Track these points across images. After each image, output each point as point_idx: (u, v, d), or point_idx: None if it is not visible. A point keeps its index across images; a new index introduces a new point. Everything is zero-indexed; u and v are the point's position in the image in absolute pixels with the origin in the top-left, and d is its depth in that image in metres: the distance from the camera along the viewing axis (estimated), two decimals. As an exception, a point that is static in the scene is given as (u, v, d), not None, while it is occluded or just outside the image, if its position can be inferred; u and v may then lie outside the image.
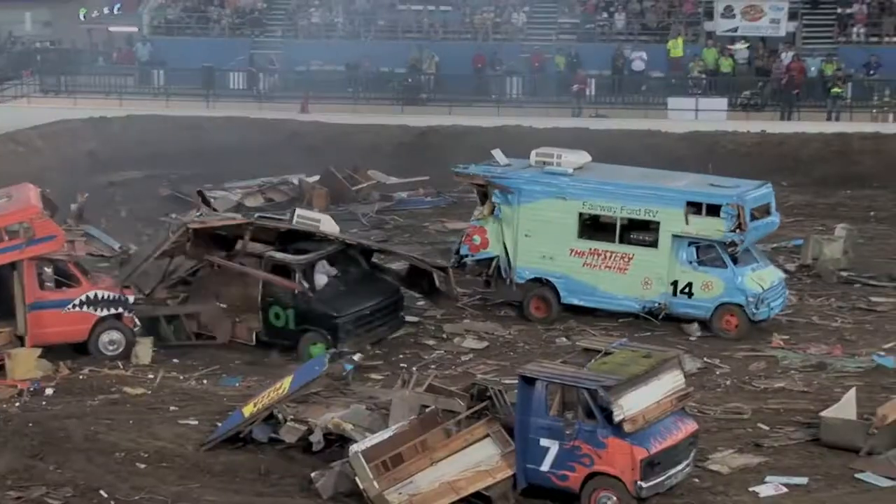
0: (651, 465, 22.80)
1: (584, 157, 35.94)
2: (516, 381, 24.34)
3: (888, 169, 50.82)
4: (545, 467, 23.31)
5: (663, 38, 61.60)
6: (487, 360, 31.72)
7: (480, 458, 23.71)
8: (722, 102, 57.13)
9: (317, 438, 25.36)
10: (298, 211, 34.75)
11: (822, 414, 26.87)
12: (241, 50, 63.01)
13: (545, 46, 62.09)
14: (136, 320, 32.19)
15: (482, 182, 35.52)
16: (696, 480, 24.47)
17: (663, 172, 37.24)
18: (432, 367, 30.74)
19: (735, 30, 60.90)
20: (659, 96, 58.46)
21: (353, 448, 23.48)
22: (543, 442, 23.26)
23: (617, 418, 22.54)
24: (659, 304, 33.34)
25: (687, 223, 32.77)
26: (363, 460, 23.06)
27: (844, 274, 38.40)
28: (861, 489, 24.40)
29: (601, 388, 22.73)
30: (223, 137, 53.35)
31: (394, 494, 22.89)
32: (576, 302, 34.13)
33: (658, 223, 33.06)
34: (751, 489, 24.34)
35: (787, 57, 59.08)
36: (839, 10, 62.87)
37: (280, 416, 26.00)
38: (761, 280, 32.88)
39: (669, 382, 24.03)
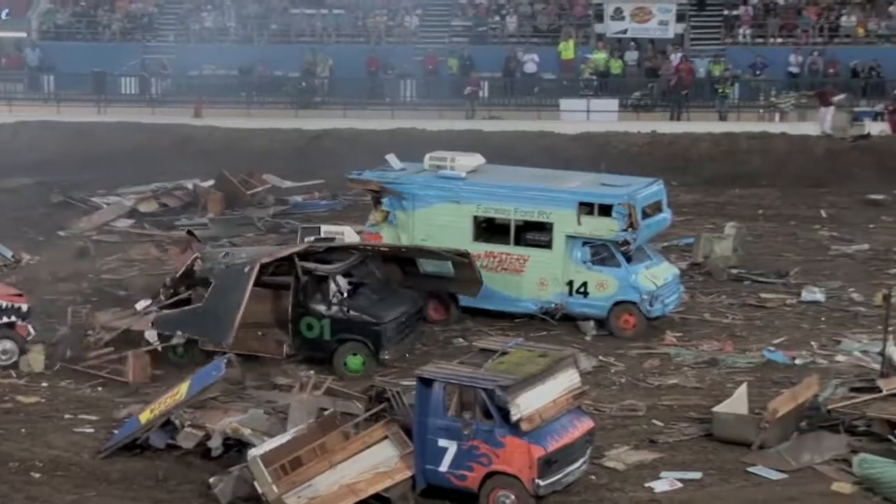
0: (548, 464, 22.85)
1: (477, 160, 35.98)
2: (414, 383, 24.27)
3: (775, 168, 51.39)
4: (444, 468, 23.30)
5: (555, 41, 61.93)
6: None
7: (379, 460, 23.69)
8: (613, 103, 57.55)
9: (215, 444, 25.18)
10: (323, 227, 35.46)
11: (715, 409, 27.11)
12: (132, 55, 62.53)
13: (438, 49, 62.22)
14: (31, 329, 31.56)
15: (376, 188, 35.43)
16: (593, 477, 24.58)
17: (556, 173, 37.37)
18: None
19: (625, 32, 61.39)
20: (551, 98, 58.63)
21: (252, 452, 23.29)
22: (442, 442, 23.25)
23: (514, 417, 22.59)
24: (555, 304, 33.34)
25: (580, 224, 32.80)
26: (262, 464, 22.91)
27: (734, 271, 38.74)
28: (753, 482, 24.66)
29: (498, 388, 22.74)
30: (115, 143, 52.87)
31: (293, 498, 22.80)
32: (473, 305, 33.99)
33: (552, 224, 33.04)
34: (646, 485, 24.48)
35: (675, 58, 59.68)
36: (726, 12, 63.61)
37: (177, 421, 25.73)
38: (655, 277, 32.99)
39: (565, 381, 24.12)
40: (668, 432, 27.04)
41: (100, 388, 29.72)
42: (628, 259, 32.85)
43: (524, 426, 22.69)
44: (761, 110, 57.04)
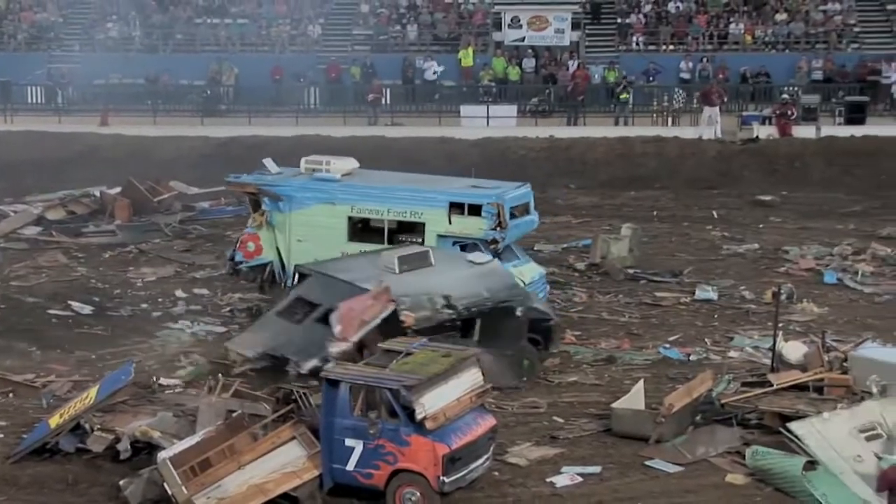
0: (453, 461, 22.87)
1: (352, 164, 36.29)
2: (320, 384, 24.25)
3: (669, 170, 51.88)
4: (351, 466, 23.26)
5: (454, 49, 62.09)
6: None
7: (287, 460, 23.62)
8: (512, 109, 57.72)
9: (124, 447, 24.91)
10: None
11: (613, 405, 27.27)
12: (38, 64, 61.93)
13: (341, 57, 62.21)
14: None
15: (254, 190, 35.51)
16: (496, 473, 24.61)
17: (429, 177, 37.76)
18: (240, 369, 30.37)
19: (522, 39, 61.63)
20: (452, 104, 58.68)
21: (161, 455, 23.16)
22: (348, 442, 23.22)
23: (419, 416, 22.61)
24: None
25: (450, 223, 33.14)
26: (171, 466, 22.78)
27: (630, 271, 39.06)
28: (651, 475, 24.78)
29: (403, 388, 22.79)
30: (22, 151, 52.38)
31: (202, 499, 22.69)
32: None
33: (423, 224, 33.36)
34: (548, 480, 24.53)
35: (572, 65, 59.97)
36: (619, 21, 64.16)
37: (87, 425, 25.44)
38: (522, 275, 33.07)
39: (469, 380, 24.15)
40: (569, 428, 27.11)
41: (10, 395, 29.35)
42: (498, 257, 32.95)
43: (429, 424, 22.69)
44: (654, 115, 57.33)
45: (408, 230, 33.80)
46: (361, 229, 34.39)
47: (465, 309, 29.43)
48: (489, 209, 32.69)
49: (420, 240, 33.26)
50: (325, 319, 28.42)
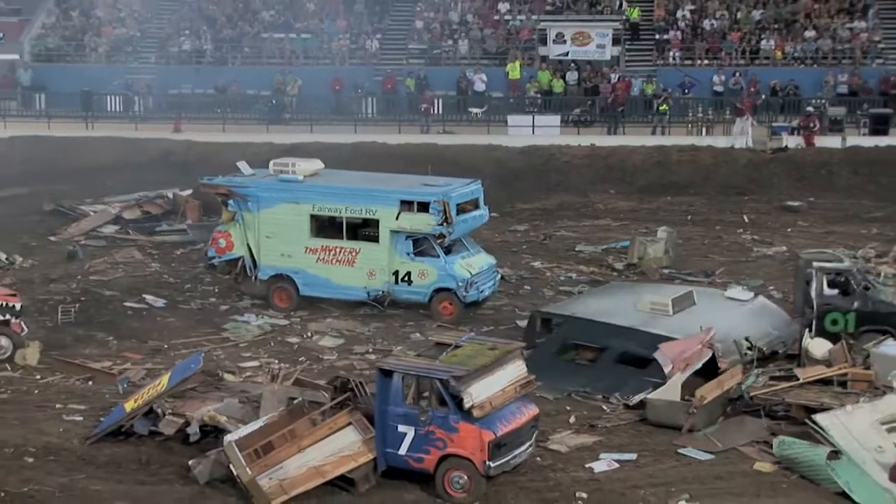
0: (498, 447, 22.96)
1: (317, 165, 36.86)
2: (376, 373, 24.29)
3: (702, 177, 51.68)
4: (403, 451, 23.36)
5: (502, 62, 62.02)
6: (350, 354, 31.58)
7: (344, 445, 23.69)
8: (556, 119, 57.54)
9: (193, 430, 25.07)
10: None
11: (649, 396, 27.23)
12: (117, 75, 62.24)
13: (396, 70, 62.24)
14: (24, 326, 31.33)
15: (224, 191, 36.02)
16: (539, 459, 24.64)
17: (386, 176, 38.23)
18: (301, 360, 30.55)
19: (566, 54, 61.54)
20: (500, 114, 58.59)
21: (228, 438, 23.37)
22: (401, 428, 23.32)
23: (466, 405, 22.69)
24: (383, 291, 34.22)
25: (400, 219, 33.59)
26: (237, 449, 22.94)
27: (666, 271, 38.99)
28: (683, 462, 24.80)
29: (452, 378, 22.88)
30: (102, 156, 52.74)
31: (265, 479, 22.80)
32: (311, 294, 34.91)
33: (378, 220, 33.80)
34: (587, 465, 24.54)
35: (612, 78, 59.85)
36: (657, 36, 63.88)
37: (159, 410, 25.63)
38: (470, 266, 33.76)
39: (513, 372, 24.23)
40: (607, 417, 27.14)
41: (89, 381, 29.57)
42: (447, 251, 33.71)
43: (476, 413, 22.77)
44: (690, 125, 57.10)
45: (364, 226, 34.31)
46: (323, 226, 34.84)
47: (766, 348, 29.59)
48: (436, 206, 33.18)
49: (375, 234, 33.93)
50: (620, 360, 28.78)
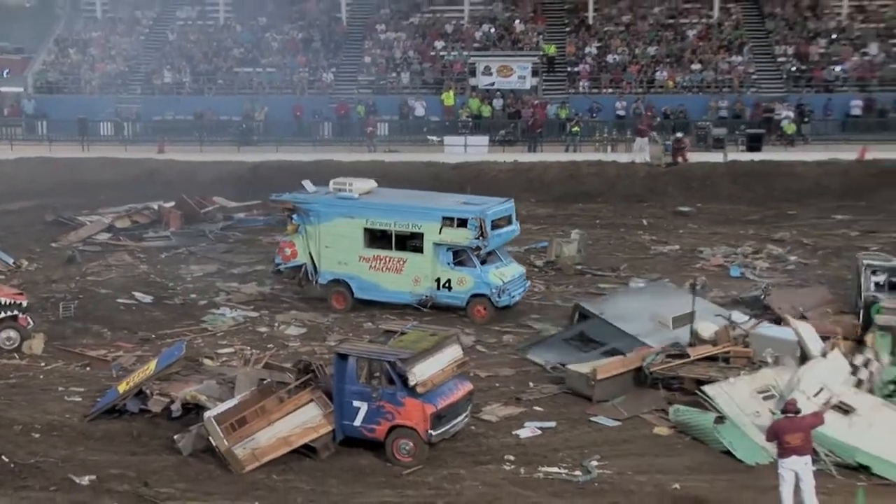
0: (438, 418, 23.01)
1: (370, 184, 36.14)
2: (333, 357, 24.28)
3: (608, 187, 51.98)
4: (357, 423, 23.36)
5: (438, 91, 62.07)
6: (312, 341, 31.50)
7: (307, 418, 23.70)
8: (484, 139, 57.61)
9: (177, 408, 25.05)
10: None
11: (568, 367, 27.65)
12: (108, 104, 61.81)
13: (348, 98, 62.12)
14: (30, 320, 31.14)
15: (290, 206, 35.34)
16: (473, 428, 24.67)
17: (431, 194, 37.66)
18: (270, 347, 30.43)
19: (492, 84, 61.63)
20: (437, 135, 58.58)
21: (207, 414, 23.33)
22: (356, 403, 23.32)
23: (411, 383, 22.72)
24: (427, 296, 33.56)
25: (442, 233, 33.06)
26: (215, 423, 22.91)
27: (579, 267, 39.07)
28: (595, 429, 24.92)
29: (399, 361, 22.92)
30: (96, 174, 52.38)
31: (240, 449, 22.80)
32: (364, 297, 34.25)
33: (422, 234, 33.26)
34: (514, 432, 24.63)
35: (532, 104, 60.03)
36: (569, 69, 64.12)
37: (148, 391, 25.54)
38: (503, 275, 33.18)
39: (451, 354, 24.26)
40: (530, 392, 27.21)
41: (87, 367, 29.39)
42: (482, 261, 33.09)
43: (419, 389, 22.81)
44: (597, 144, 57.31)
45: (411, 238, 33.68)
46: (375, 238, 34.16)
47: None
48: (473, 222, 32.63)
49: (420, 246, 33.30)
50: (607, 354, 28.52)
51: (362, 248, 33.98)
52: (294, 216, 35.13)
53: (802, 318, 29.13)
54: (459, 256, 33.25)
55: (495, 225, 33.53)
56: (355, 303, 34.47)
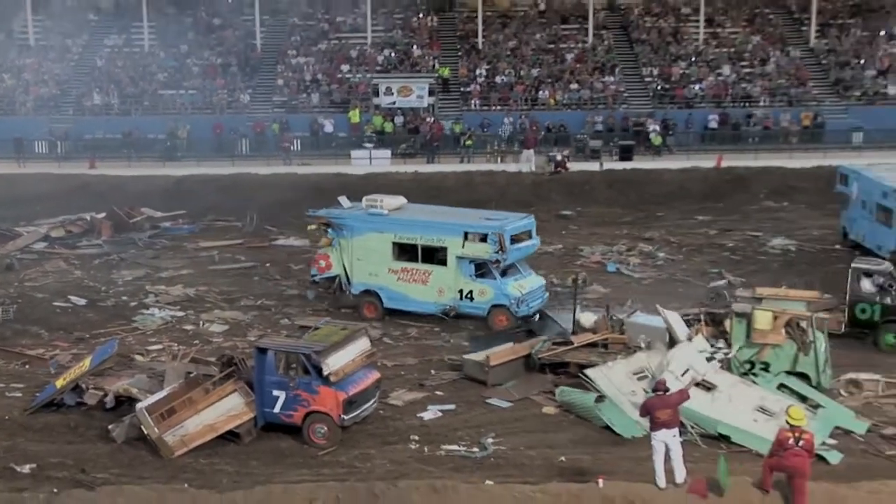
0: (350, 404, 23.04)
1: (400, 201, 35.01)
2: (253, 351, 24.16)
3: (499, 194, 51.99)
4: (277, 410, 23.31)
5: (345, 110, 61.88)
6: (235, 336, 31.24)
7: (231, 407, 23.59)
8: (387, 153, 57.53)
9: (111, 400, 24.76)
10: None
11: (464, 356, 27.79)
12: (42, 125, 60.61)
13: (264, 117, 61.69)
14: None
15: (325, 221, 34.31)
16: (381, 412, 24.67)
17: (456, 210, 36.63)
18: (195, 343, 30.09)
19: (394, 103, 61.63)
20: (344, 149, 58.42)
21: (139, 405, 23.13)
22: (275, 392, 23.27)
23: (325, 373, 22.76)
24: (450, 306, 32.55)
25: (464, 247, 32.06)
26: (146, 413, 22.74)
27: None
28: (490, 410, 25.09)
29: (313, 353, 22.98)
30: (32, 188, 51.22)
31: (169, 436, 22.62)
32: (392, 306, 33.09)
33: (446, 248, 32.29)
34: (418, 415, 24.71)
35: (429, 121, 60.13)
36: (462, 89, 64.35)
37: (83, 385, 25.18)
38: (521, 287, 31.98)
39: (360, 346, 24.32)
40: (432, 378, 27.26)
41: (26, 365, 28.84)
42: (503, 273, 32.02)
43: (332, 378, 22.86)
44: (488, 155, 57.59)
45: (435, 252, 32.58)
46: (403, 251, 33.04)
47: None
48: (493, 237, 31.64)
49: (444, 259, 32.36)
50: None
51: (391, 261, 32.91)
52: (329, 230, 34.13)
53: None
54: (481, 269, 32.10)
55: (515, 239, 32.43)
56: (385, 312, 33.26)
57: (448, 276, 32.28)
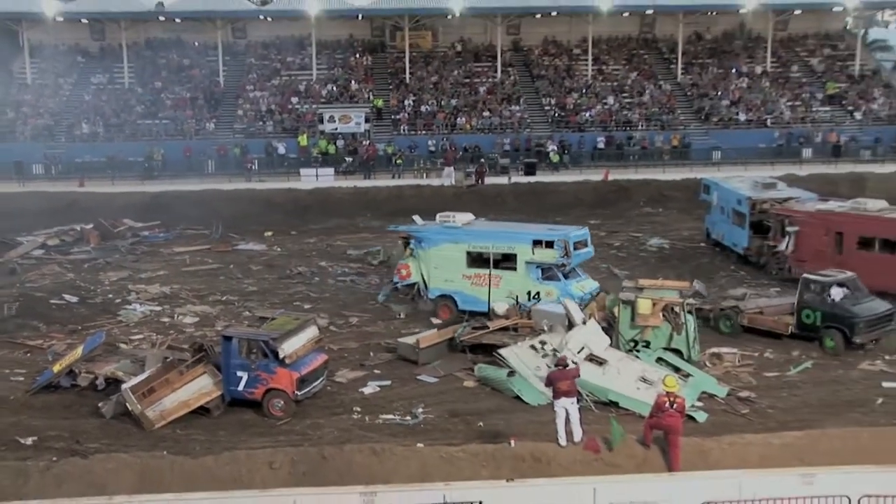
0: (302, 381, 23.00)
1: (469, 217, 33.72)
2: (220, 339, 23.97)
3: (425, 205, 51.03)
4: (241, 388, 23.18)
5: (295, 135, 61.44)
6: (204, 327, 30.85)
7: (202, 386, 23.45)
8: (331, 171, 57.16)
9: (101, 382, 24.55)
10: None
11: (399, 339, 27.60)
12: (39, 150, 59.31)
13: (227, 141, 60.99)
14: None
15: (405, 235, 33.17)
16: (329, 388, 24.62)
17: (516, 224, 35.59)
18: (171, 333, 29.74)
19: (336, 129, 61.28)
20: (294, 168, 58.03)
21: (124, 386, 22.95)
22: (239, 373, 23.14)
23: (281, 356, 22.67)
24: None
25: (533, 254, 30.64)
26: (130, 393, 22.56)
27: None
28: (420, 385, 25.13)
29: (271, 340, 22.90)
30: (30, 204, 50.11)
31: (150, 411, 22.45)
32: (467, 308, 31.39)
33: (516, 255, 30.82)
34: (359, 390, 24.68)
35: (365, 144, 59.95)
36: (393, 116, 64.20)
37: (77, 370, 24.91)
38: (582, 288, 30.47)
39: (310, 333, 24.32)
40: (371, 360, 27.22)
41: (27, 354, 28.42)
42: (566, 276, 30.57)
43: (287, 361, 22.82)
44: (416, 172, 57.57)
45: (506, 259, 31.06)
46: (475, 259, 31.55)
47: None
48: (559, 244, 30.38)
49: (514, 265, 30.65)
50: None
51: (465, 268, 31.36)
52: (409, 243, 32.80)
53: (760, 314, 28.80)
54: (547, 273, 30.61)
55: (576, 247, 31.08)
56: (458, 314, 31.52)
57: (517, 279, 30.83)
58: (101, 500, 17.64)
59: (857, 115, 63.69)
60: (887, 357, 26.65)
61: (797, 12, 69.38)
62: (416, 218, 34.87)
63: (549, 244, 30.59)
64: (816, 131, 61.68)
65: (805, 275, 28.46)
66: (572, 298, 29.38)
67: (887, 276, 31.34)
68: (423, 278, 32.27)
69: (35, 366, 27.00)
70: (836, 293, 27.47)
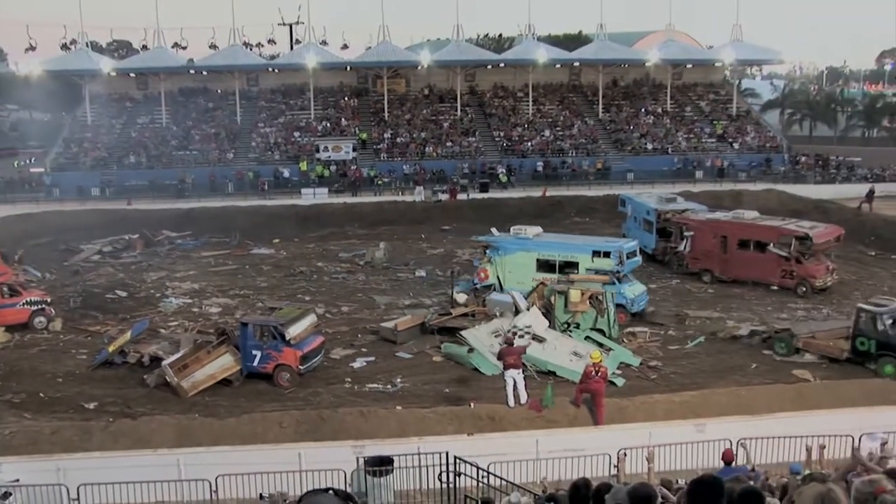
0: (304, 358, 22.97)
1: (538, 230, 32.11)
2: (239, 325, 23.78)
3: (400, 216, 51.72)
4: (256, 364, 23.11)
5: (297, 161, 60.97)
6: (226, 315, 30.50)
7: (225, 362, 23.34)
8: (325, 190, 56.74)
9: (146, 360, 24.35)
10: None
11: (381, 324, 27.47)
12: (97, 176, 58.38)
13: (243, 167, 60.34)
14: (52, 310, 29.66)
15: (485, 244, 31.94)
16: (326, 364, 24.50)
17: (580, 236, 33.95)
18: (200, 320, 29.43)
19: (329, 157, 60.86)
20: (297, 188, 57.56)
21: (164, 362, 22.84)
22: (254, 352, 23.07)
23: (287, 338, 22.56)
24: None
25: (593, 262, 29.48)
26: (169, 368, 22.45)
27: (385, 266, 38.84)
28: (399, 360, 25.05)
29: (279, 325, 22.82)
30: (90, 219, 49.39)
31: (185, 382, 22.37)
32: None
33: (577, 262, 29.67)
34: (350, 365, 24.58)
35: (353, 168, 59.65)
36: (374, 146, 63.93)
37: (126, 350, 24.77)
38: (634, 291, 29.40)
39: (310, 319, 24.34)
40: (359, 340, 27.12)
41: (89, 337, 28.09)
42: (620, 281, 29.22)
43: (292, 342, 22.76)
44: (392, 191, 57.35)
45: (570, 266, 29.67)
46: (543, 265, 30.26)
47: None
48: (615, 254, 29.30)
49: (576, 272, 29.06)
50: None
51: (534, 273, 30.06)
52: (487, 251, 31.49)
53: (812, 338, 24.66)
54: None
55: (628, 256, 29.98)
56: None
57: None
58: (147, 451, 17.63)
59: (736, 146, 64.49)
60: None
61: (689, 66, 70.99)
62: (493, 230, 33.36)
63: (607, 254, 29.40)
64: (706, 158, 62.37)
65: (860, 304, 24.41)
66: (625, 299, 28.35)
67: (759, 269, 31.95)
68: (498, 280, 30.91)
69: (94, 347, 26.76)
70: (888, 321, 23.16)
